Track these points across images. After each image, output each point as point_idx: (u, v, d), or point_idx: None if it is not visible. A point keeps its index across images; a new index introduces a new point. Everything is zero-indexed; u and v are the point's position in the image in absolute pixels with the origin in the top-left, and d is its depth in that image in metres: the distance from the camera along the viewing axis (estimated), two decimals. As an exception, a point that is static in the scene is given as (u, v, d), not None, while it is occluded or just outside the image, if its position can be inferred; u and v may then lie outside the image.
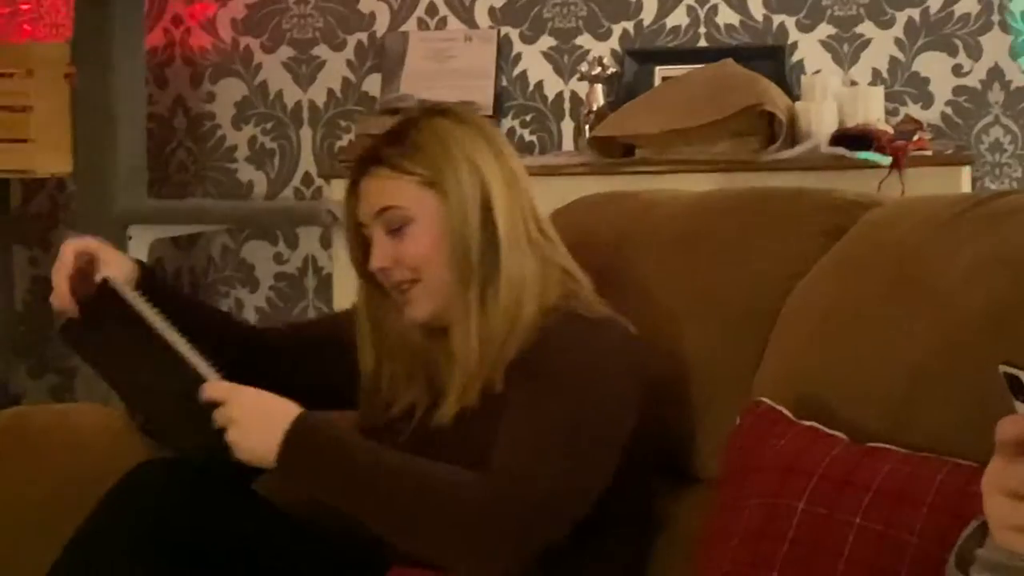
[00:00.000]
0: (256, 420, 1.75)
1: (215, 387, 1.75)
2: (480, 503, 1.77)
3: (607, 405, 1.88)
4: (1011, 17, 3.33)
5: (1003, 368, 1.23)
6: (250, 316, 4.14)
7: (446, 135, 1.98)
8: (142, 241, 3.63)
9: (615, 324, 1.95)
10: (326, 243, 3.87)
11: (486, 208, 1.93)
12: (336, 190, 3.50)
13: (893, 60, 3.47)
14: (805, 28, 3.52)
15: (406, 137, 1.99)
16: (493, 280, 1.93)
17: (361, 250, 1.98)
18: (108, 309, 1.90)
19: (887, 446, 1.77)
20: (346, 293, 3.50)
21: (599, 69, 3.52)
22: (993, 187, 3.39)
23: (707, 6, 3.57)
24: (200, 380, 1.79)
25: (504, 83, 3.73)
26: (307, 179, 3.91)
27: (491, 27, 3.72)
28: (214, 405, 1.76)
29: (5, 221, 4.05)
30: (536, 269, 1.95)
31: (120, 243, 3.55)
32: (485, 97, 3.69)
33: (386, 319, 2.01)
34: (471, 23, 3.74)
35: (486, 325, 1.91)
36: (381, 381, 2.03)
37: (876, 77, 3.47)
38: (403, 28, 3.77)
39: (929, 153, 3.17)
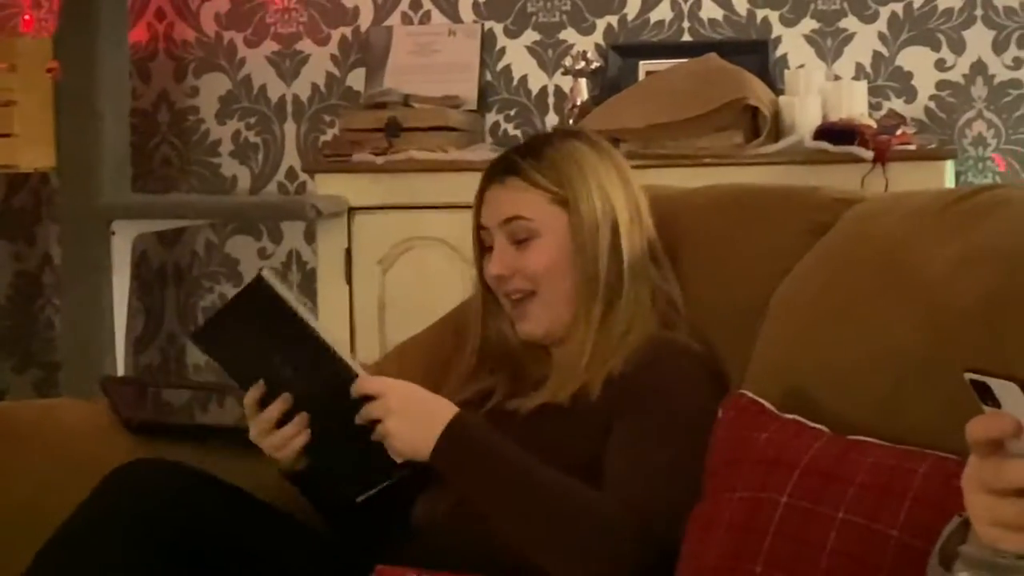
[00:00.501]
0: (415, 412, 1.77)
1: (369, 381, 1.78)
2: (611, 518, 1.80)
3: (699, 435, 1.91)
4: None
5: (968, 375, 1.25)
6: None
7: (581, 158, 2.01)
8: (126, 236, 3.63)
9: (708, 359, 1.98)
10: (310, 238, 3.86)
11: (614, 233, 1.97)
12: (320, 185, 3.53)
13: (876, 55, 3.47)
14: (789, 23, 3.51)
15: (542, 153, 2.02)
16: (615, 302, 1.96)
17: (480, 253, 2.02)
18: (260, 305, 1.90)
19: (870, 439, 1.78)
20: (330, 287, 3.62)
21: (583, 63, 3.51)
22: (976, 181, 3.39)
23: (691, 1, 3.56)
24: (350, 377, 1.80)
25: (488, 77, 3.73)
26: (291, 174, 3.91)
27: (475, 21, 3.72)
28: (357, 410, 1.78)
29: None
30: (650, 296, 2.00)
31: (104, 238, 3.59)
32: (469, 91, 3.67)
33: (490, 321, 2.05)
34: (455, 17, 3.74)
35: (601, 342, 1.94)
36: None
37: (859, 71, 3.48)
38: (387, 22, 3.76)
39: (912, 148, 3.17)
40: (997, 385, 1.26)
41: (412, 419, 1.77)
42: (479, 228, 2.00)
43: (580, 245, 1.95)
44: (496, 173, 2.01)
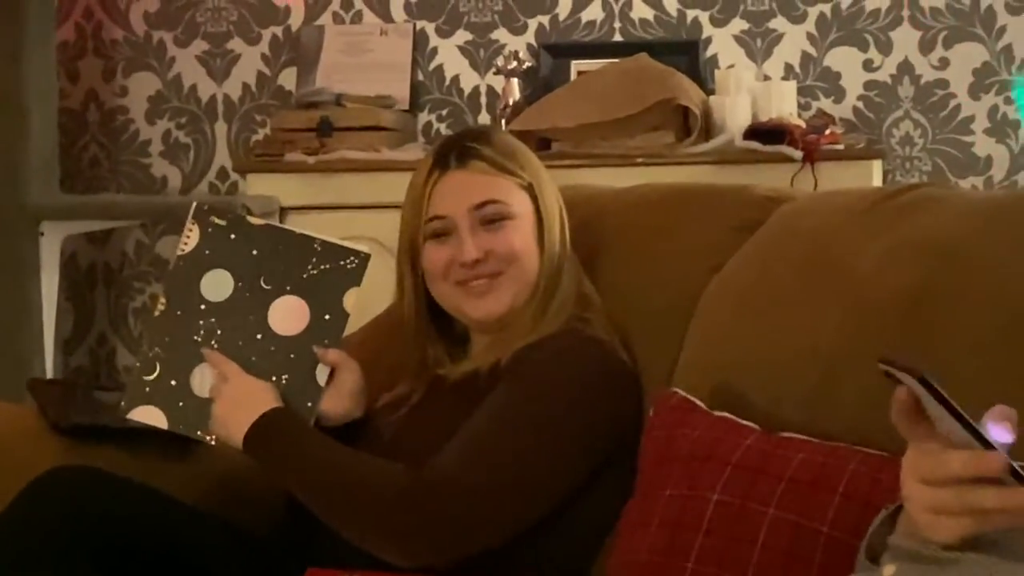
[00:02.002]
0: (240, 401, 1.82)
1: (222, 362, 1.85)
2: (398, 493, 1.79)
3: (572, 425, 1.90)
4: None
5: (881, 366, 1.28)
6: (165, 312, 4.00)
7: (526, 150, 2.03)
8: (55, 236, 3.60)
9: (610, 350, 1.97)
10: (242, 237, 3.71)
11: (562, 225, 2.00)
12: (252, 185, 3.51)
13: (805, 55, 3.48)
14: (718, 23, 3.51)
15: (494, 141, 2.03)
16: (557, 288, 1.98)
17: (415, 252, 2.00)
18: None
19: (800, 436, 1.78)
20: None
21: (515, 63, 3.51)
22: (904, 180, 3.41)
23: (622, 1, 3.56)
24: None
25: (420, 77, 3.72)
26: (222, 174, 3.88)
27: (407, 21, 3.70)
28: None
29: None
30: (573, 287, 2.01)
31: (32, 238, 3.53)
32: (401, 91, 3.67)
33: (428, 345, 2.04)
34: (387, 17, 3.72)
35: (534, 331, 1.95)
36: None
37: (789, 72, 3.48)
38: (318, 22, 3.75)
39: (841, 147, 3.19)
40: (902, 376, 1.28)
41: (235, 407, 1.83)
42: (430, 220, 1.96)
43: (546, 230, 1.97)
44: (450, 161, 2.00)
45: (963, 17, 3.38)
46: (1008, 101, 3.39)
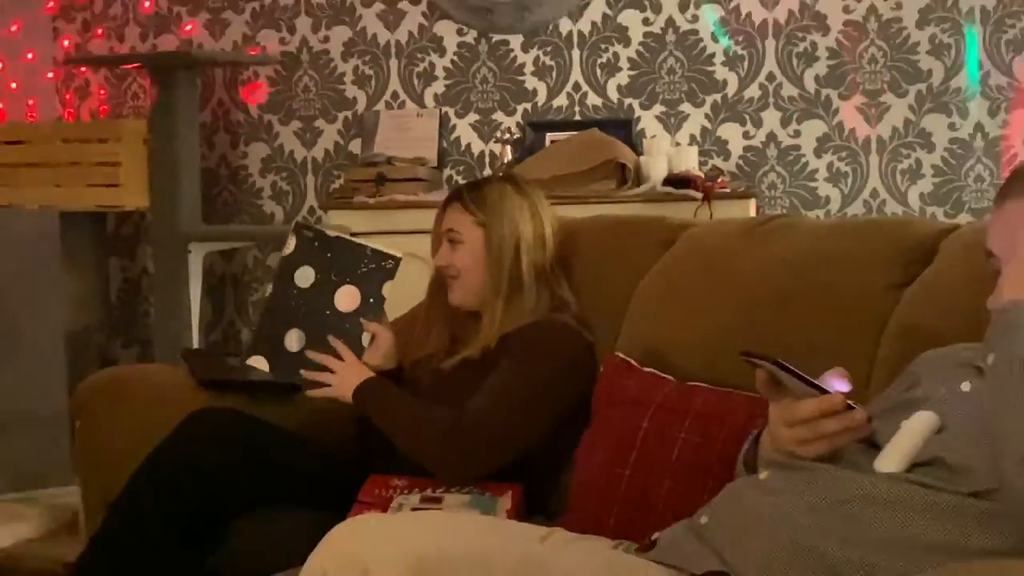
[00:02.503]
0: (347, 374, 1.82)
1: (337, 360, 1.83)
2: (446, 429, 1.79)
3: (554, 384, 1.88)
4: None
5: (742, 356, 1.34)
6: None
7: (504, 197, 1.98)
8: (198, 254, 3.59)
9: (578, 334, 1.93)
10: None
11: (516, 249, 1.93)
12: (331, 217, 3.46)
13: (704, 128, 3.40)
14: (645, 107, 3.43)
15: (480, 190, 2.01)
16: (518, 294, 1.93)
17: (436, 248, 2.00)
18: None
19: (702, 384, 1.78)
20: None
21: (508, 135, 3.44)
22: (771, 212, 3.33)
23: (580, 92, 3.48)
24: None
25: (444, 145, 3.63)
26: (311, 211, 3.82)
27: (435, 107, 3.63)
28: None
29: (104, 240, 3.96)
30: (546, 294, 1.95)
31: (183, 255, 3.55)
32: (432, 154, 3.62)
33: (439, 295, 2.01)
34: (421, 104, 3.64)
35: (506, 318, 1.91)
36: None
37: (692, 139, 3.41)
38: (375, 108, 3.68)
39: (728, 190, 3.13)
40: (759, 362, 1.32)
41: (346, 376, 1.82)
42: (434, 237, 2.00)
43: (490, 253, 1.93)
44: (448, 201, 1.99)
45: (809, 102, 3.30)
46: (840, 159, 3.31)
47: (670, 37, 3.39)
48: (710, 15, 3.34)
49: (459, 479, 1.78)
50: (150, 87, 3.75)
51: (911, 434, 1.26)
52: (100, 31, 3.91)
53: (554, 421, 1.84)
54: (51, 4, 3.92)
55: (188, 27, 3.79)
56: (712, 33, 3.35)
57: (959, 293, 1.57)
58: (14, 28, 3.87)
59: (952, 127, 3.22)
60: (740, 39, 3.34)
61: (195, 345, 3.51)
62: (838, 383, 1.30)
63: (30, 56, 3.90)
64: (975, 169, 3.26)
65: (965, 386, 1.29)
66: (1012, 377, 1.11)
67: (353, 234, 3.37)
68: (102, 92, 3.97)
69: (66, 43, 3.94)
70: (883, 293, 1.72)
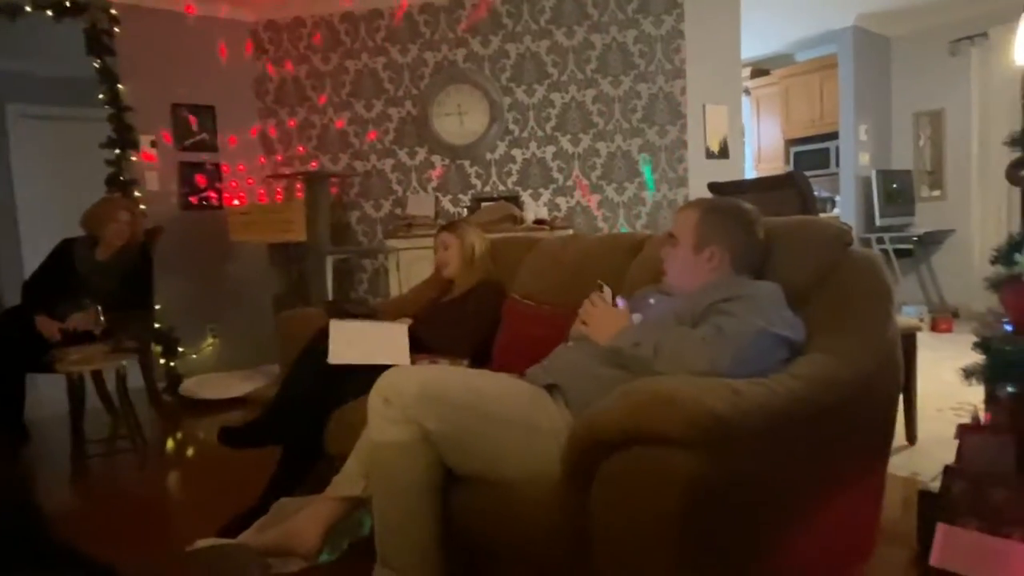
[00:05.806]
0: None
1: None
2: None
3: (488, 309, 2.39)
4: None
5: (599, 282, 1.73)
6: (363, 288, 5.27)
7: (470, 230, 2.67)
8: (330, 260, 4.62)
9: (499, 285, 2.45)
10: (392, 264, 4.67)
11: (472, 250, 2.58)
12: (391, 242, 4.55)
13: (549, 199, 4.80)
14: (525, 191, 4.93)
15: (456, 224, 2.68)
16: (475, 268, 2.58)
17: (436, 251, 2.54)
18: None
19: (550, 306, 2.34)
20: (391, 272, 4.58)
21: (466, 204, 4.84)
22: (576, 232, 4.57)
23: (489, 182, 4.89)
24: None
25: (436, 208, 4.83)
26: (377, 238, 5.14)
27: (433, 193, 4.73)
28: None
29: (287, 255, 5.01)
30: (492, 270, 2.55)
31: (323, 260, 4.57)
32: (431, 212, 4.71)
33: (437, 273, 2.62)
34: (427, 191, 4.91)
35: (468, 281, 2.48)
36: (425, 291, 2.68)
37: (545, 203, 4.84)
38: (407, 193, 5.02)
39: (561, 225, 4.30)
40: (604, 287, 1.70)
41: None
42: (439, 245, 2.55)
43: (463, 251, 2.54)
44: (440, 229, 2.59)
45: (597, 189, 4.56)
46: (602, 207, 4.60)
47: (536, 159, 4.78)
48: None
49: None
50: (303, 185, 5.00)
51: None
52: (301, 149, 5.20)
53: (489, 330, 2.42)
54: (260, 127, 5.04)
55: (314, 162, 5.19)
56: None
57: (649, 262, 2.15)
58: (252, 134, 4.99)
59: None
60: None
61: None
62: (620, 301, 1.84)
63: (262, 161, 5.15)
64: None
65: (651, 301, 1.85)
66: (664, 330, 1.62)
67: (399, 250, 4.56)
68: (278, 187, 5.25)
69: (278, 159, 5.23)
70: (623, 261, 2.35)
